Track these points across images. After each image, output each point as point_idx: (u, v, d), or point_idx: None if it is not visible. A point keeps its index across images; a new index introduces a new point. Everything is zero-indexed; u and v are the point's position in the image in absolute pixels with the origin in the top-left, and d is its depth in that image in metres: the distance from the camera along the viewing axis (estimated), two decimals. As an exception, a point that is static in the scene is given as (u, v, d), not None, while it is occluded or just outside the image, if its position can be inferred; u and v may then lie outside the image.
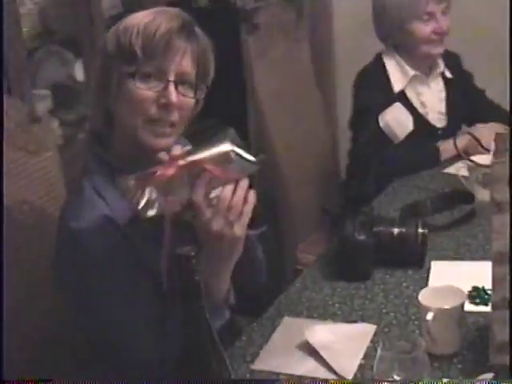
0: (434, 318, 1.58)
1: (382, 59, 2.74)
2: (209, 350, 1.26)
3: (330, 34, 3.64)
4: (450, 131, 2.70)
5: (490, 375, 1.44)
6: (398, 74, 2.71)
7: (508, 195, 1.44)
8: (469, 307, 1.72)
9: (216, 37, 3.14)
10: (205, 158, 1.50)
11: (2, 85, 1.87)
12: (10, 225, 1.93)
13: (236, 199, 1.52)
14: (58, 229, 1.72)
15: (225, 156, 1.50)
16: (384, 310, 1.81)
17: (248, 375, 1.64)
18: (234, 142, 1.51)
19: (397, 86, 2.70)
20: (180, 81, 1.66)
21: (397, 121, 1.87)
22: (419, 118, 2.68)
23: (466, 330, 1.66)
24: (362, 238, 1.90)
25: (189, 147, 1.64)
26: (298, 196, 2.91)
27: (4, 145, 1.94)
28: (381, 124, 1.86)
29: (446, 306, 1.59)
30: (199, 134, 2.97)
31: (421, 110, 2.72)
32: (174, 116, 1.66)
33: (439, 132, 2.73)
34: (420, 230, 1.95)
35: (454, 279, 1.78)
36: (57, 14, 2.73)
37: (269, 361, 1.67)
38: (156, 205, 1.50)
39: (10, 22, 2.37)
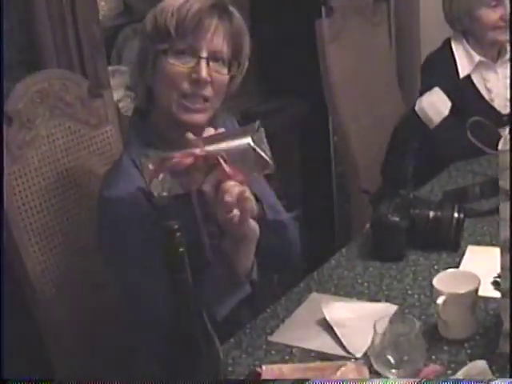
0: (445, 302, 1.50)
1: (450, 44, 2.63)
2: (194, 322, 1.23)
3: (417, 20, 3.50)
4: (517, 118, 2.56)
5: (482, 363, 1.36)
6: (464, 60, 2.59)
7: (516, 183, 1.35)
8: (492, 293, 1.63)
9: (294, 17, 3.15)
10: (223, 149, 1.47)
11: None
12: (74, 192, 1.97)
13: (234, 195, 1.47)
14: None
15: (244, 152, 1.47)
16: (410, 292, 1.74)
17: (264, 346, 1.60)
18: (256, 139, 1.49)
19: (463, 72, 2.58)
20: (213, 58, 1.66)
21: (432, 106, 1.79)
22: (485, 104, 2.57)
23: (482, 316, 1.57)
24: (396, 219, 1.83)
25: (221, 130, 1.61)
26: (368, 178, 2.83)
27: (64, 117, 1.97)
28: (416, 108, 1.79)
29: (457, 291, 1.50)
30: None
31: (486, 96, 2.59)
32: (207, 91, 1.66)
33: (504, 118, 2.59)
34: (456, 215, 1.86)
35: (486, 265, 1.69)
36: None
37: (286, 334, 1.63)
38: (168, 187, 1.48)
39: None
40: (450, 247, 1.87)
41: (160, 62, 1.66)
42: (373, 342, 1.37)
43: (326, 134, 3.25)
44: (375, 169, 2.68)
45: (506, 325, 1.43)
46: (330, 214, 3.43)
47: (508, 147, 1.33)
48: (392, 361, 1.34)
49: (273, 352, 1.58)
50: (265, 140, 1.51)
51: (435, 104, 1.79)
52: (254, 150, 1.47)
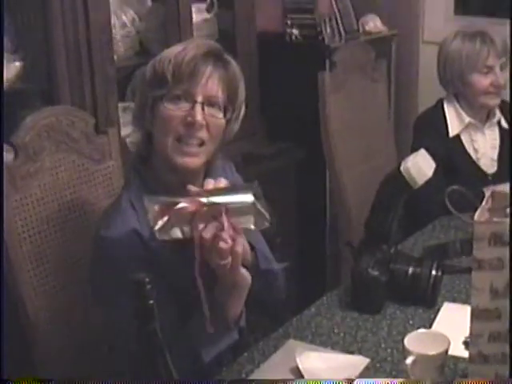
0: (415, 362, 1.43)
1: (442, 105, 2.57)
2: (160, 372, 1.15)
3: (416, 80, 3.45)
4: (501, 177, 2.48)
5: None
6: (455, 120, 2.54)
7: (490, 254, 1.28)
8: (463, 353, 1.55)
9: (300, 68, 3.10)
10: (226, 202, 1.43)
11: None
12: (74, 223, 1.91)
13: (229, 243, 1.43)
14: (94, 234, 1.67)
15: (245, 207, 1.44)
16: (383, 345, 1.66)
17: (237, 390, 1.53)
18: (256, 196, 1.45)
19: (452, 131, 2.53)
20: (208, 102, 1.61)
21: (417, 167, 1.71)
22: (471, 163, 2.54)
23: (451, 375, 1.50)
24: (376, 273, 1.76)
25: (223, 181, 1.54)
26: (360, 225, 2.76)
27: (69, 151, 1.92)
28: (401, 168, 1.71)
29: (427, 352, 1.42)
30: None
31: (473, 155, 2.54)
32: (202, 134, 1.61)
33: (489, 178, 2.52)
34: (434, 272, 1.79)
35: (460, 323, 1.60)
36: (152, 36, 2.68)
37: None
38: (172, 231, 1.43)
39: (103, 42, 2.35)
40: (427, 303, 1.80)
41: (157, 107, 1.61)
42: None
43: (323, 180, 3.18)
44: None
45: (473, 389, 1.36)
46: (321, 259, 3.36)
47: (483, 219, 1.26)
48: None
49: (253, 392, 1.51)
50: (262, 198, 1.48)
51: (420, 165, 1.71)
52: (254, 205, 1.44)
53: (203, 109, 1.59)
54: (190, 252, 1.64)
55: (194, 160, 1.63)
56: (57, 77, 2.29)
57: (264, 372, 1.58)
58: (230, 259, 1.44)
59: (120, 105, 2.52)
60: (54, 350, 1.85)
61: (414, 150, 2.47)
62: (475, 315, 1.33)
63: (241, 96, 1.69)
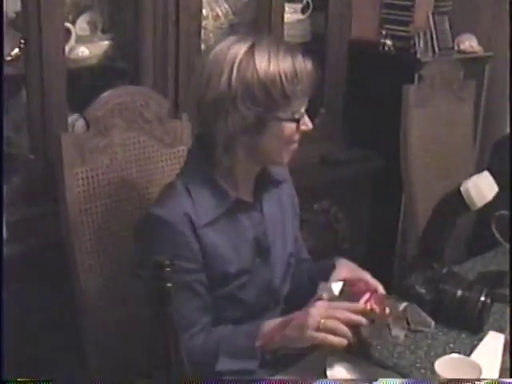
0: (441, 387, 1.32)
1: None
2: (171, 357, 1.10)
3: (506, 104, 3.27)
4: None
5: None
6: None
7: None
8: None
9: (388, 78, 2.99)
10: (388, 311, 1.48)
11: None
12: (134, 201, 1.88)
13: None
14: None
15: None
16: (418, 365, 1.56)
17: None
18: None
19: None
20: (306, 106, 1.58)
21: (477, 189, 1.59)
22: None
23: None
24: (422, 291, 1.66)
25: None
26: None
27: (140, 131, 1.89)
28: (461, 189, 1.60)
29: (454, 378, 1.32)
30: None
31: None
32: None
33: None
34: (482, 298, 1.66)
35: (501, 353, 1.49)
36: (243, 31, 2.60)
37: None
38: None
39: (192, 30, 2.31)
40: (472, 329, 1.68)
41: (269, 124, 1.53)
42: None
43: (399, 192, 3.05)
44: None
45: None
46: (388, 272, 3.22)
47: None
48: None
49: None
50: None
51: (481, 187, 1.60)
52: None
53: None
54: (241, 253, 1.60)
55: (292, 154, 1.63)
56: (142, 59, 2.27)
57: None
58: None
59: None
60: (98, 319, 1.82)
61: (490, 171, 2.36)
62: (507, 349, 1.21)
63: None
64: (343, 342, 1.43)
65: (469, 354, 1.58)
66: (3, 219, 1.74)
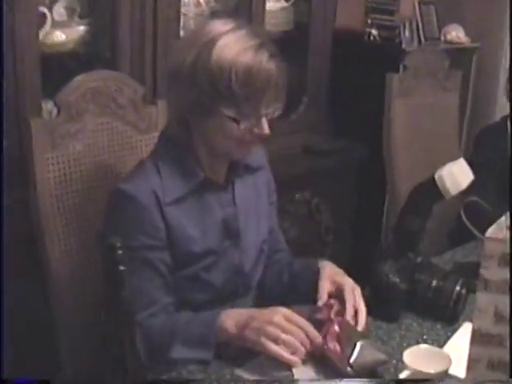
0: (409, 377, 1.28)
1: (506, 121, 2.37)
2: (124, 342, 1.05)
3: (495, 96, 3.23)
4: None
5: None
6: (518, 139, 2.33)
7: (498, 275, 1.12)
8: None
9: (373, 68, 2.94)
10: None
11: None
12: (107, 188, 1.84)
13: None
14: None
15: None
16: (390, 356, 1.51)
17: (228, 376, 1.42)
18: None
19: (514, 150, 2.32)
20: (268, 109, 1.50)
21: (452, 177, 1.55)
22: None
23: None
24: (396, 280, 1.61)
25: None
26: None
27: (113, 116, 1.84)
28: (435, 176, 1.56)
29: (423, 369, 1.28)
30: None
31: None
32: (266, 137, 1.52)
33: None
34: (457, 288, 1.62)
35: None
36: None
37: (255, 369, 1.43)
38: None
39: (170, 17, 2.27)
40: (446, 320, 1.63)
41: (216, 116, 1.49)
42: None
43: (383, 183, 3.01)
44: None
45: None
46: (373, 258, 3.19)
47: (498, 236, 1.10)
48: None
49: (235, 384, 1.39)
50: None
51: (455, 175, 1.55)
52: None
53: (266, 118, 1.50)
54: (207, 233, 1.57)
55: (250, 152, 1.58)
56: (119, 45, 2.22)
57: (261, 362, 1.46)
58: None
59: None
60: (69, 306, 1.78)
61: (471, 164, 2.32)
62: (476, 339, 1.17)
63: (286, 82, 1.55)
64: (297, 362, 1.37)
65: (442, 346, 1.54)
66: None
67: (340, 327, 1.45)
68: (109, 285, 1.03)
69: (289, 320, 1.38)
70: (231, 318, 1.43)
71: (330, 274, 1.62)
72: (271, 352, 1.37)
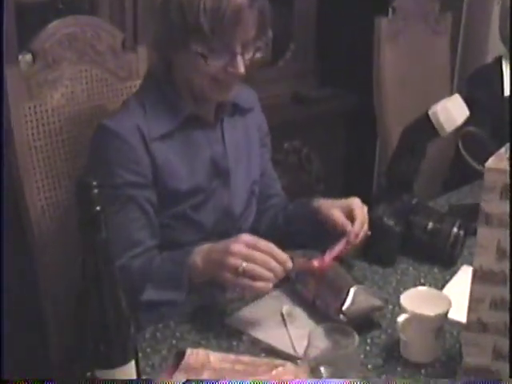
0: (408, 321, 1.22)
1: (501, 62, 2.29)
2: (104, 288, 0.97)
3: (486, 39, 3.13)
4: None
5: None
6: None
7: (499, 208, 1.05)
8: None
9: (360, 11, 2.83)
10: None
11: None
12: (88, 138, 1.75)
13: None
14: None
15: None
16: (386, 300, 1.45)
17: (218, 328, 1.36)
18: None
19: (507, 91, 2.24)
20: (245, 47, 1.42)
21: (446, 112, 1.47)
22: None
23: (450, 342, 1.29)
24: (390, 223, 1.55)
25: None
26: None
27: (92, 64, 1.75)
28: (429, 112, 1.48)
29: (422, 312, 1.21)
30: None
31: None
32: (240, 77, 1.45)
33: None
34: (455, 230, 1.56)
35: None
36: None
37: (244, 319, 1.38)
38: None
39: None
40: (444, 263, 1.58)
41: (190, 55, 1.42)
42: (306, 351, 1.10)
43: (374, 130, 2.93)
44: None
45: (468, 359, 1.14)
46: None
47: (499, 166, 1.03)
48: (323, 373, 1.07)
49: (223, 335, 1.33)
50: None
51: (450, 111, 1.47)
52: None
53: (242, 57, 1.42)
54: (194, 171, 1.51)
55: (229, 94, 1.50)
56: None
57: (251, 313, 1.40)
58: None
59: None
60: (52, 263, 1.72)
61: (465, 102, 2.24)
62: (477, 277, 1.10)
63: (269, 23, 1.48)
64: (267, 286, 1.28)
65: (441, 289, 1.48)
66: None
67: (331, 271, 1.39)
68: (84, 228, 0.95)
69: (252, 247, 1.29)
70: (200, 254, 1.34)
71: (333, 203, 1.54)
72: (237, 283, 1.29)
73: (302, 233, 1.58)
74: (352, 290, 1.33)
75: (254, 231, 1.65)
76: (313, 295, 1.38)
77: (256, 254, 1.27)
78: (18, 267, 1.85)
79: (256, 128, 1.68)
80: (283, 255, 1.29)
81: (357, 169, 3.08)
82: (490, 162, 1.05)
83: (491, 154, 1.08)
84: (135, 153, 1.44)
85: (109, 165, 1.44)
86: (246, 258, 1.27)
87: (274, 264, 1.28)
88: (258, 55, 1.47)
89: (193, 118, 1.51)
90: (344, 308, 1.31)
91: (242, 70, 1.42)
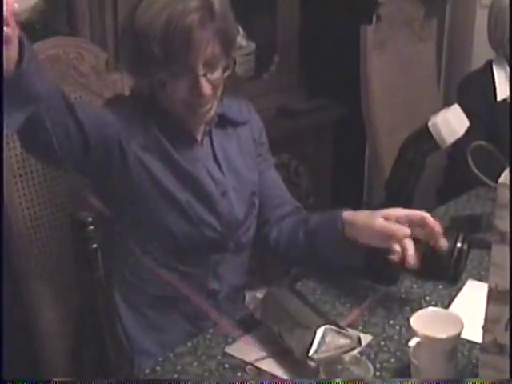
0: (419, 345, 1.17)
1: (491, 67, 2.26)
2: (103, 325, 0.92)
3: (470, 44, 3.11)
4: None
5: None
6: (503, 83, 2.23)
7: (514, 225, 1.01)
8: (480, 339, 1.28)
9: (345, 20, 2.80)
10: None
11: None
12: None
13: None
14: None
15: None
16: (392, 321, 1.41)
17: (219, 357, 1.30)
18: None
19: (500, 95, 2.22)
20: (208, 67, 1.39)
21: (447, 124, 1.43)
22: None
23: (463, 363, 1.25)
24: (392, 241, 1.49)
25: None
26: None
27: (76, 86, 1.70)
28: (429, 124, 1.44)
29: (434, 335, 1.17)
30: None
31: (522, 121, 2.22)
32: (209, 99, 1.42)
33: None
34: (458, 245, 1.51)
35: (483, 304, 1.34)
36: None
37: (245, 348, 1.32)
38: None
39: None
40: (448, 279, 1.53)
41: (158, 87, 1.41)
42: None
43: (363, 141, 2.89)
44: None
45: (484, 382, 1.10)
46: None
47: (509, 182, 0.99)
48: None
49: (226, 365, 1.28)
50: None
51: (450, 122, 1.43)
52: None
53: (206, 78, 1.38)
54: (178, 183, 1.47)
55: (206, 116, 1.47)
56: (77, 10, 2.07)
57: (252, 340, 1.34)
58: None
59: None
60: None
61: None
62: (492, 297, 1.06)
63: (235, 39, 1.47)
64: None
65: (447, 307, 1.44)
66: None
67: None
68: (80, 266, 0.89)
69: None
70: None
71: (372, 214, 1.45)
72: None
73: (330, 247, 1.51)
74: (319, 332, 1.21)
75: (275, 246, 1.63)
76: (278, 335, 1.29)
77: None
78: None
79: (251, 139, 1.64)
80: None
81: (346, 180, 3.04)
82: (503, 178, 1.01)
83: (502, 168, 1.04)
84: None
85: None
86: None
87: None
88: (227, 73, 1.44)
89: (177, 133, 1.48)
90: (310, 353, 1.20)
91: (206, 91, 1.39)
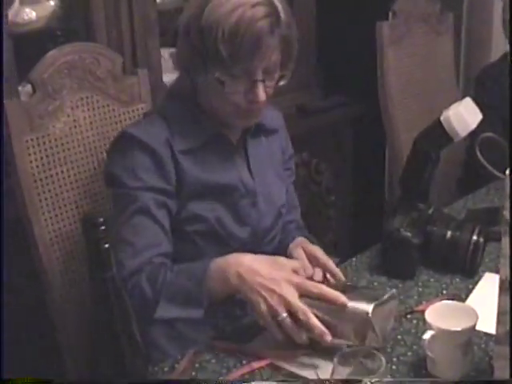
0: (434, 337, 1.18)
1: (507, 59, 2.25)
2: (117, 326, 0.94)
3: (489, 38, 3.08)
4: None
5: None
6: (521, 76, 2.21)
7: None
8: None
9: (361, 17, 2.80)
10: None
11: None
12: (93, 166, 1.72)
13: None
14: None
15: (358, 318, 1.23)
16: (409, 315, 1.41)
17: (238, 354, 1.31)
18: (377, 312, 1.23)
19: (519, 87, 2.20)
20: (266, 74, 1.40)
21: (459, 117, 1.43)
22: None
23: (479, 355, 1.25)
24: (408, 234, 1.50)
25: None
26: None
27: (93, 91, 1.72)
28: (442, 118, 1.44)
29: (448, 327, 1.17)
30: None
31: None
32: (261, 103, 1.42)
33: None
34: (475, 238, 1.51)
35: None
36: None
37: (263, 344, 1.33)
38: None
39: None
40: (465, 272, 1.53)
41: (215, 85, 1.41)
42: (331, 376, 1.06)
43: (382, 138, 2.88)
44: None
45: (499, 374, 1.10)
46: (377, 219, 3.08)
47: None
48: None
49: (244, 362, 1.29)
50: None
51: (463, 115, 1.43)
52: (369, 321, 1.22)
53: (264, 84, 1.40)
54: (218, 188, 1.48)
55: (253, 121, 1.50)
56: (93, 16, 2.08)
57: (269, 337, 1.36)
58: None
59: (164, 50, 2.30)
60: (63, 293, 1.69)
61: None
62: (503, 289, 1.07)
63: (295, 50, 1.48)
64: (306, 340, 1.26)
65: (465, 300, 1.44)
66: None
67: None
68: (92, 265, 0.91)
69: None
70: (223, 267, 1.29)
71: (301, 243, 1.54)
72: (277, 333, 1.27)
73: None
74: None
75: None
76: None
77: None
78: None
79: (280, 150, 1.67)
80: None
81: (366, 177, 3.04)
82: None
83: (510, 160, 1.04)
84: (162, 161, 1.42)
85: (132, 170, 1.42)
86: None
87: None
88: (282, 83, 1.45)
89: (217, 137, 1.50)
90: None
91: (262, 97, 1.40)
